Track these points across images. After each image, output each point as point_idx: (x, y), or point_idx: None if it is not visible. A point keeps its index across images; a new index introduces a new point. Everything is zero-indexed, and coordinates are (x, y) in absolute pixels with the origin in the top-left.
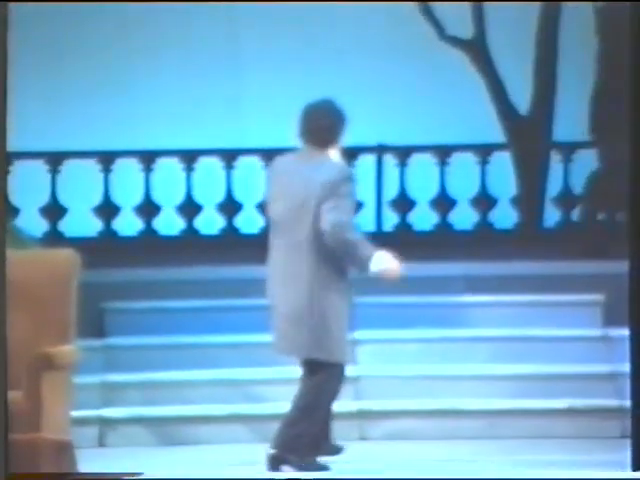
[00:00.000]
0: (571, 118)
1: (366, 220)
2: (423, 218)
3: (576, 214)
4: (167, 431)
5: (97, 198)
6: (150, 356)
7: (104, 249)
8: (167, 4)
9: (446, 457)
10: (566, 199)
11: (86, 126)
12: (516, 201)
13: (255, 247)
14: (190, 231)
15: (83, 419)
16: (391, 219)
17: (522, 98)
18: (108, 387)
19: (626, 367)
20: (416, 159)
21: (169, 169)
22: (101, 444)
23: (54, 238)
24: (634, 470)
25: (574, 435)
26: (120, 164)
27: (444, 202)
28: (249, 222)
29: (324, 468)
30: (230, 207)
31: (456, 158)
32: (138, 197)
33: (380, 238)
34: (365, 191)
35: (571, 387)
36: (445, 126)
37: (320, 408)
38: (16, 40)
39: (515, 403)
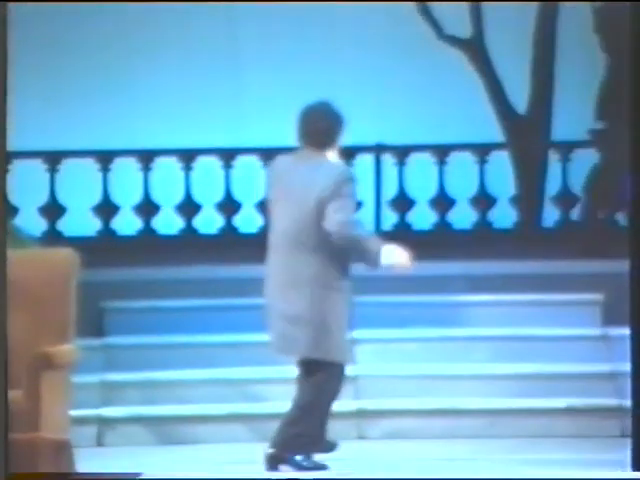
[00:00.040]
0: (570, 117)
1: (365, 219)
2: (422, 217)
3: (575, 213)
4: (166, 430)
5: (96, 197)
6: (149, 355)
7: (103, 248)
8: (167, 4)
9: (446, 456)
10: (565, 198)
11: (85, 125)
12: (515, 200)
13: (254, 246)
14: (189, 230)
15: (82, 418)
16: (390, 218)
17: (520, 97)
18: (107, 386)
19: (626, 366)
20: (415, 158)
21: (168, 168)
22: (99, 443)
23: (53, 237)
24: (634, 470)
25: (574, 434)
26: (119, 163)
27: (443, 201)
28: (248, 221)
29: (323, 467)
30: (229, 206)
31: (455, 157)
32: (137, 196)
33: (379, 237)
34: (364, 191)
35: (571, 386)
36: (444, 125)
37: (320, 408)
38: (16, 40)
39: (515, 402)
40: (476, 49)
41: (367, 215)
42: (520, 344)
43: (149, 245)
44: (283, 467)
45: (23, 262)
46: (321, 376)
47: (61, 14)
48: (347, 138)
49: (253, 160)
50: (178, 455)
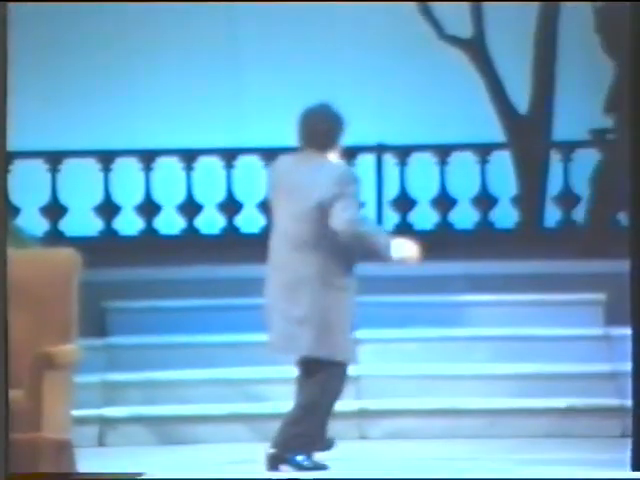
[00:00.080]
0: (571, 117)
1: None
2: (423, 217)
3: (576, 213)
4: (167, 430)
5: (97, 197)
6: (151, 355)
7: (105, 248)
8: (167, 4)
9: (446, 456)
10: (566, 198)
11: (86, 125)
12: (516, 200)
13: (256, 246)
14: (191, 230)
15: (83, 418)
16: (392, 218)
17: (522, 97)
18: (109, 386)
19: (627, 366)
20: (416, 158)
21: (169, 168)
22: (101, 443)
23: (55, 237)
24: (634, 470)
25: (575, 434)
26: (120, 163)
27: (444, 201)
28: (249, 221)
29: (323, 467)
30: (230, 206)
31: (456, 157)
32: (138, 196)
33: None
34: (365, 191)
35: (572, 386)
36: (445, 125)
37: (322, 408)
38: (16, 40)
39: (516, 402)
40: (477, 49)
41: (369, 215)
42: (521, 344)
43: (151, 245)
44: (284, 467)
45: (25, 262)
46: (322, 376)
47: (61, 14)
48: (348, 138)
49: (254, 160)
50: (179, 455)
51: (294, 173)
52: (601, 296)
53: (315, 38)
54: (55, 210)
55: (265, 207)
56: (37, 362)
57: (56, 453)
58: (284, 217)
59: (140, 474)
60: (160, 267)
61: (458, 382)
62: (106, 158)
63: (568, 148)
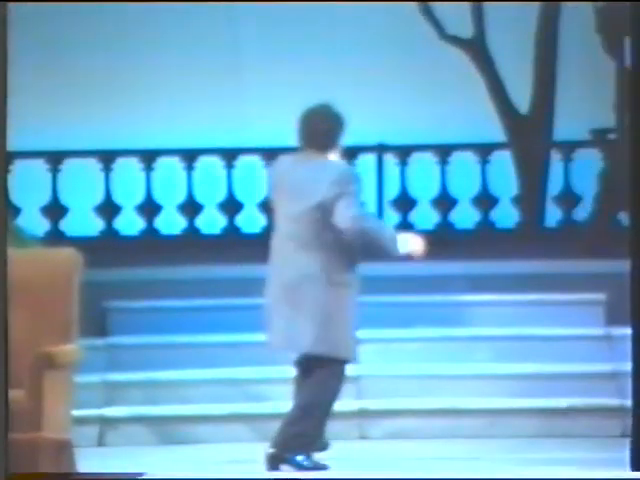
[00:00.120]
0: (571, 117)
1: None
2: (424, 217)
3: (577, 213)
4: (167, 430)
5: (98, 197)
6: (152, 355)
7: (106, 248)
8: (167, 4)
9: (447, 456)
10: (567, 198)
11: (86, 125)
12: (517, 200)
13: (257, 246)
14: (191, 230)
15: (84, 418)
16: (392, 218)
17: (522, 97)
18: (109, 386)
19: (628, 366)
20: (417, 158)
21: (170, 168)
22: (101, 443)
23: (55, 237)
24: (633, 470)
25: (575, 434)
26: (121, 163)
27: (445, 201)
28: (250, 221)
29: (323, 467)
30: (231, 206)
31: (457, 157)
32: (139, 196)
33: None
34: (366, 191)
35: (573, 386)
36: (446, 125)
37: (321, 407)
38: (16, 40)
39: (516, 402)
40: (478, 49)
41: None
42: (522, 344)
43: (151, 245)
44: (284, 467)
45: (25, 262)
46: (322, 374)
47: (61, 14)
48: (348, 138)
49: (255, 160)
50: (180, 455)
51: (295, 173)
52: (602, 296)
53: (315, 38)
54: (56, 210)
55: (266, 207)
56: (37, 362)
57: (56, 453)
58: (285, 217)
59: (140, 474)
60: (161, 267)
61: (459, 382)
62: (107, 158)
63: (569, 148)
